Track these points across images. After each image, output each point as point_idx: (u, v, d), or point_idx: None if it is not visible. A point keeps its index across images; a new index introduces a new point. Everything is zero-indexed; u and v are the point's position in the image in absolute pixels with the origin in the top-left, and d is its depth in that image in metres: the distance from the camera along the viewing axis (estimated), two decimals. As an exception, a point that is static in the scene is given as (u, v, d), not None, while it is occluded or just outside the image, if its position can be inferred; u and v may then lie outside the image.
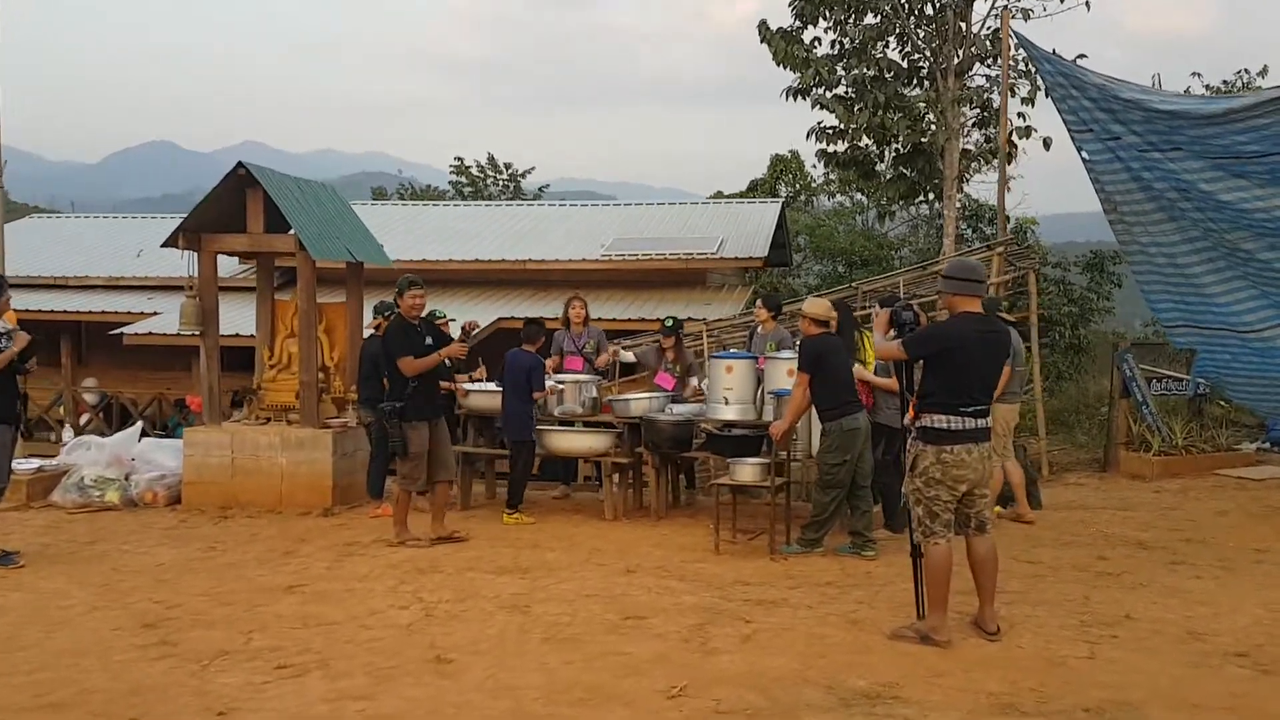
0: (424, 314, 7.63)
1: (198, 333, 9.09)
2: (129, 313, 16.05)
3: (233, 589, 6.28)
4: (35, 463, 9.35)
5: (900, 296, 7.18)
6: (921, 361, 5.34)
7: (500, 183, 34.48)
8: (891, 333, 5.78)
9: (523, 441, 8.31)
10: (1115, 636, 5.31)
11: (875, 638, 5.31)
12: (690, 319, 13.80)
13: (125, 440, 9.33)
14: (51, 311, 16.69)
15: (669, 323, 9.31)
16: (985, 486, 5.36)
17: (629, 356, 9.87)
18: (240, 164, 8.69)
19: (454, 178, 34.66)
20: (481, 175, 34.40)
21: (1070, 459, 12.19)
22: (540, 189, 37.00)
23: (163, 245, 8.95)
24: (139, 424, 9.97)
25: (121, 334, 15.21)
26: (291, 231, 8.65)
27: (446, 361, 7.72)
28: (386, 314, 8.93)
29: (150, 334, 14.94)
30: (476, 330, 9.25)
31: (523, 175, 35.07)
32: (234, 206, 8.87)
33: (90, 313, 16.70)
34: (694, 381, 9.17)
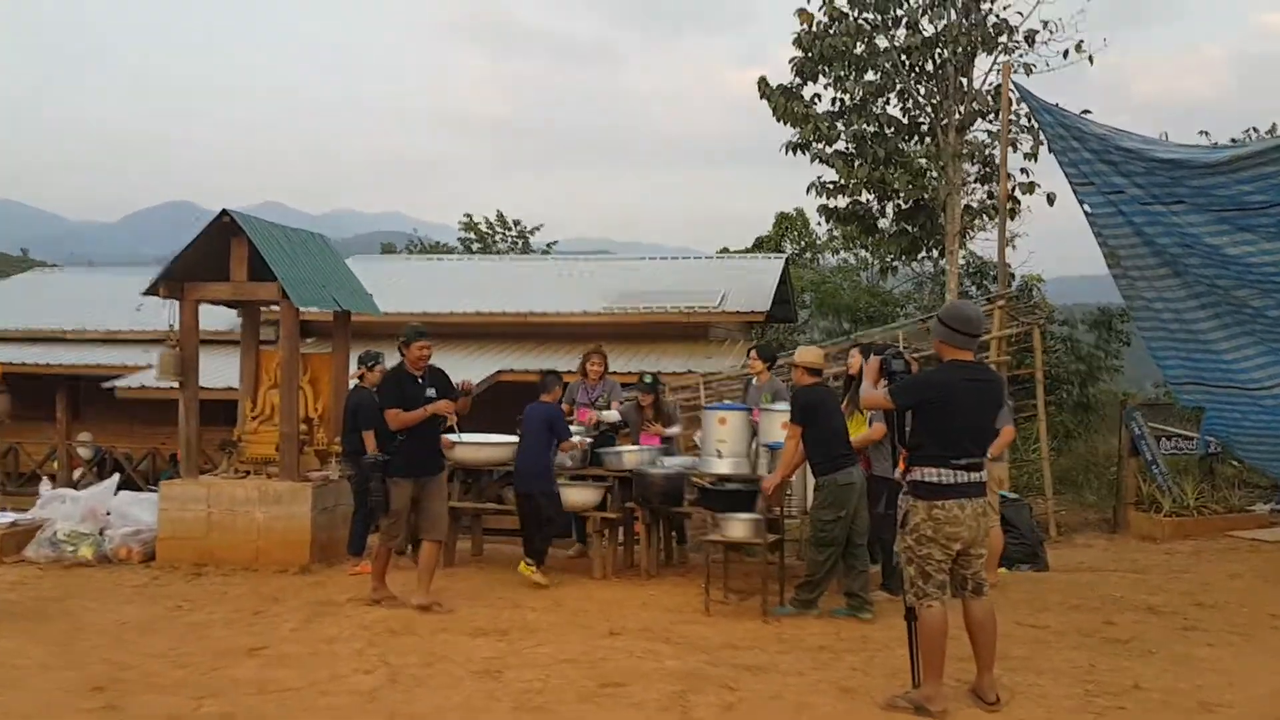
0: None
1: (176, 384, 8.86)
2: (124, 366, 15.90)
3: (193, 650, 5.99)
4: (9, 516, 9.10)
5: (890, 345, 6.94)
6: (910, 412, 5.09)
7: (509, 239, 34.50)
8: (882, 382, 5.54)
9: (549, 494, 7.95)
10: (1122, 708, 4.98)
11: (867, 708, 4.99)
12: (690, 372, 13.60)
13: (100, 494, 9.07)
14: (47, 365, 16.58)
15: (647, 379, 9.06)
16: (981, 545, 5.06)
17: (613, 416, 9.60)
18: (224, 211, 8.56)
19: (463, 234, 34.71)
20: (490, 232, 34.46)
21: (1078, 519, 11.86)
22: (549, 245, 37.01)
23: (143, 294, 8.78)
24: (115, 477, 9.70)
25: (114, 387, 15.03)
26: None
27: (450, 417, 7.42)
28: (370, 364, 8.72)
29: (143, 387, 14.76)
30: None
31: (531, 232, 35.09)
32: (219, 255, 8.71)
33: (85, 366, 16.57)
34: (674, 429, 8.91)
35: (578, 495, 8.19)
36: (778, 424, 7.60)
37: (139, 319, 17.58)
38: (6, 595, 7.43)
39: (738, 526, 7.15)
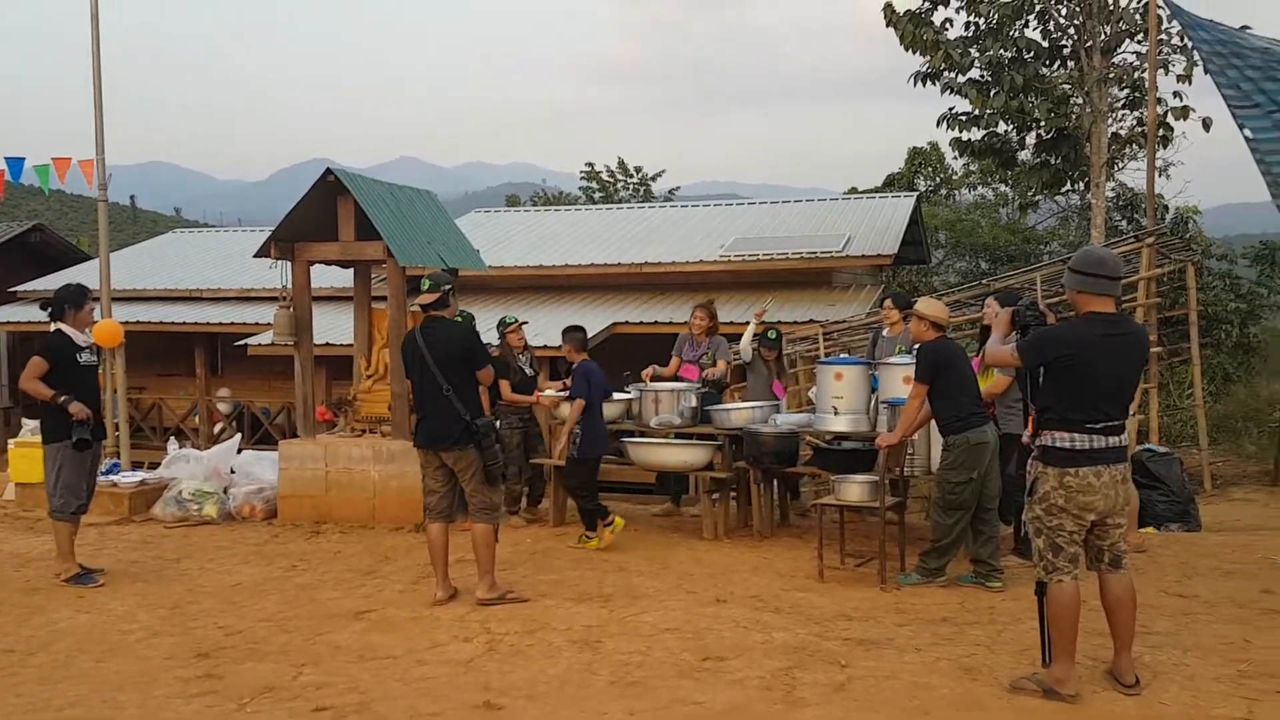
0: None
1: (291, 343, 8.94)
2: (257, 324, 16.36)
3: (300, 613, 6.00)
4: (138, 475, 9.40)
5: (1021, 295, 6.37)
6: (1042, 371, 4.60)
7: (631, 187, 34.25)
8: (1013, 335, 5.06)
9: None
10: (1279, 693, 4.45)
11: (990, 689, 4.58)
12: (812, 320, 13.12)
13: (224, 453, 9.28)
14: (184, 323, 17.21)
15: (771, 335, 8.70)
16: (1120, 515, 4.56)
17: (747, 353, 9.22)
18: (329, 170, 8.51)
19: (584, 183, 34.62)
20: (612, 180, 34.27)
21: (1236, 471, 10.97)
22: (670, 191, 36.57)
23: (255, 255, 8.85)
24: (237, 436, 9.93)
25: (246, 345, 15.48)
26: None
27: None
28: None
29: (273, 344, 15.12)
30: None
31: (653, 178, 34.74)
32: (327, 215, 8.69)
33: (222, 324, 17.14)
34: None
35: (685, 454, 7.93)
36: (899, 378, 7.16)
37: (273, 276, 18.07)
38: (130, 554, 7.65)
39: (854, 488, 6.76)
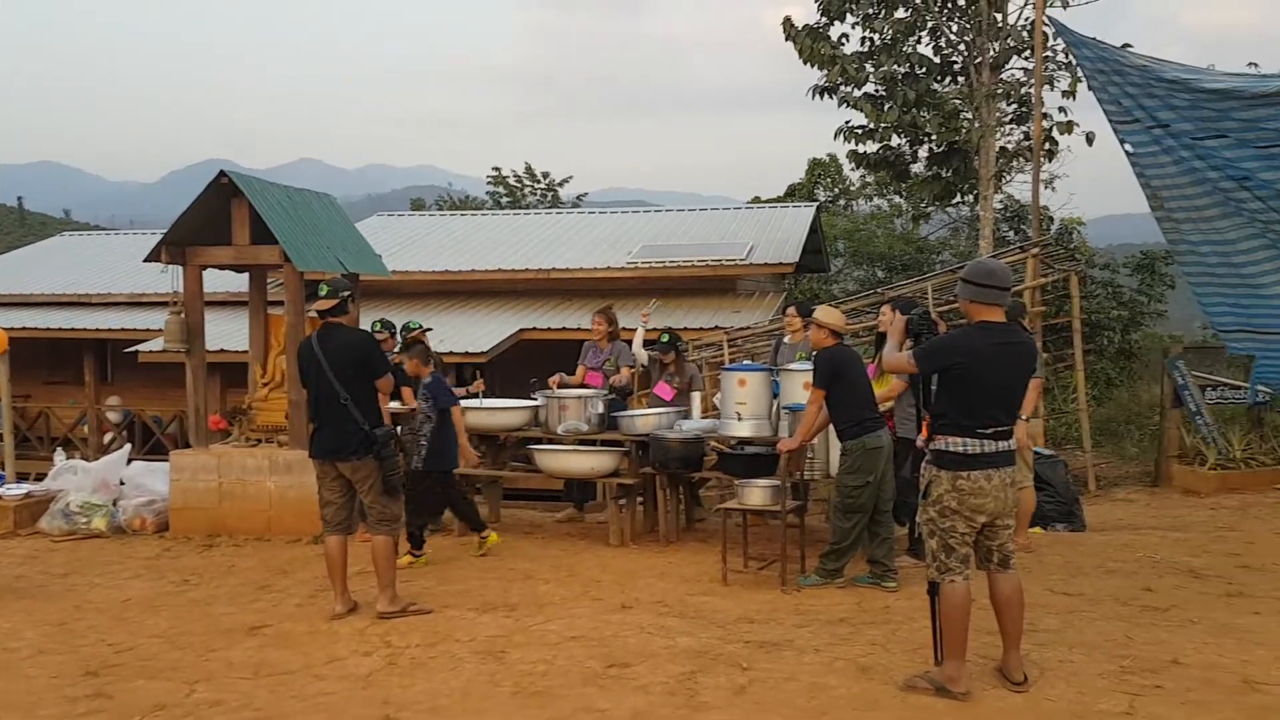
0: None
1: (183, 350, 8.69)
2: (148, 330, 15.84)
3: (193, 629, 5.83)
4: (24, 487, 9.01)
5: (918, 303, 6.57)
6: (935, 377, 4.75)
7: (538, 192, 34.14)
8: (907, 343, 5.20)
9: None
10: (1160, 687, 4.66)
11: (885, 689, 4.70)
12: (716, 328, 13.27)
13: (113, 464, 8.95)
14: (72, 329, 16.58)
15: (664, 338, 8.74)
16: (1009, 516, 4.73)
17: (642, 356, 9.31)
18: (222, 173, 8.30)
19: (491, 188, 34.39)
20: (519, 185, 34.10)
21: (1119, 472, 11.44)
22: (578, 198, 36.57)
23: (146, 260, 8.58)
24: (127, 446, 9.61)
25: (137, 351, 14.98)
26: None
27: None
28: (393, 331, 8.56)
29: (165, 351, 14.67)
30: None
31: (560, 184, 34.71)
32: (221, 218, 8.48)
33: (112, 330, 16.55)
34: (695, 397, 8.59)
35: (592, 461, 7.95)
36: (800, 384, 7.29)
37: (165, 280, 17.51)
38: (16, 570, 7.34)
39: (756, 493, 6.87)
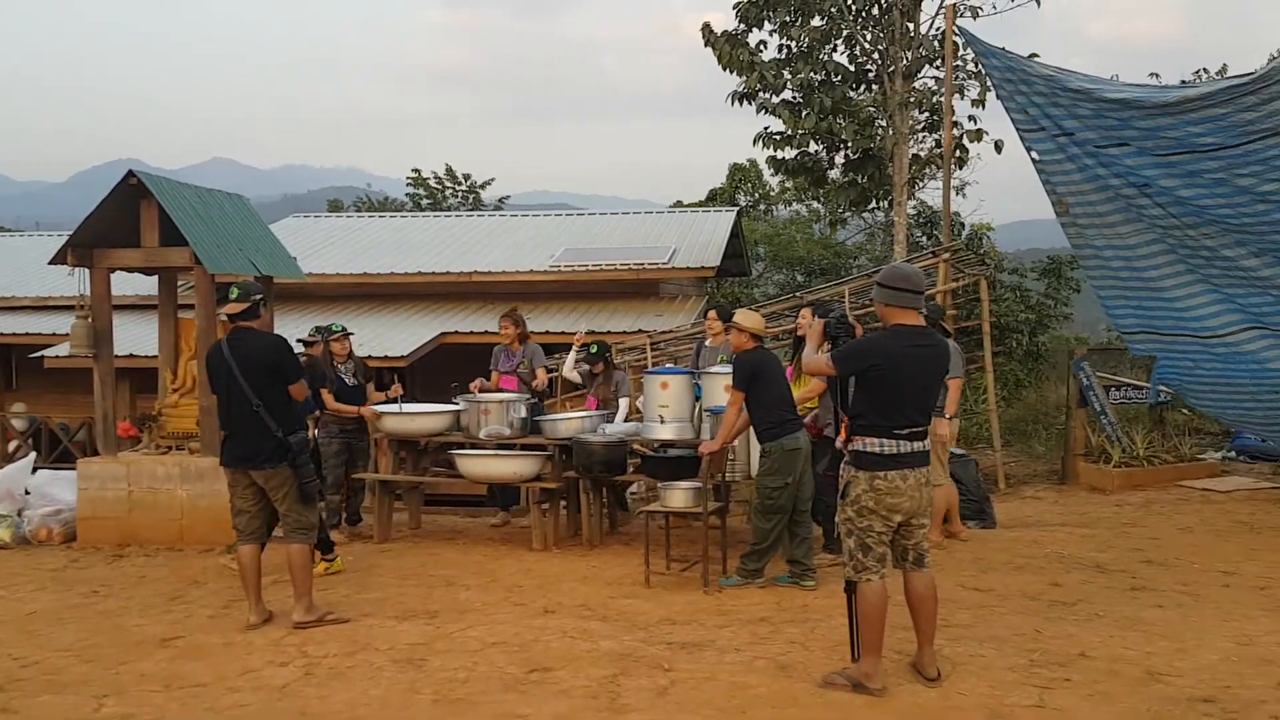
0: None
1: (90, 355, 8.44)
2: (54, 334, 15.31)
3: (102, 642, 5.67)
4: (-80, 500, 8.65)
5: (835, 307, 6.70)
6: (853, 379, 4.84)
7: (459, 194, 33.84)
8: (825, 346, 5.30)
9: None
10: (1068, 680, 4.81)
11: (803, 686, 4.78)
12: (640, 331, 13.30)
13: (18, 473, 8.66)
14: (-30, 335, 15.95)
15: (593, 349, 8.77)
16: (924, 516, 4.85)
17: (574, 377, 9.34)
18: (131, 173, 8.09)
19: (411, 190, 33.99)
20: (440, 187, 33.77)
21: (1027, 471, 11.74)
22: (500, 200, 36.34)
23: (51, 262, 8.31)
24: (33, 454, 9.30)
25: (43, 357, 14.49)
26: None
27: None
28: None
29: (71, 356, 14.17)
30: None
31: (482, 186, 34.45)
32: (130, 219, 8.25)
33: (16, 335, 15.97)
34: (623, 403, 8.62)
35: (514, 465, 7.92)
36: (721, 387, 7.37)
37: (71, 283, 16.96)
38: (-89, 585, 7.06)
39: (678, 495, 6.92)
